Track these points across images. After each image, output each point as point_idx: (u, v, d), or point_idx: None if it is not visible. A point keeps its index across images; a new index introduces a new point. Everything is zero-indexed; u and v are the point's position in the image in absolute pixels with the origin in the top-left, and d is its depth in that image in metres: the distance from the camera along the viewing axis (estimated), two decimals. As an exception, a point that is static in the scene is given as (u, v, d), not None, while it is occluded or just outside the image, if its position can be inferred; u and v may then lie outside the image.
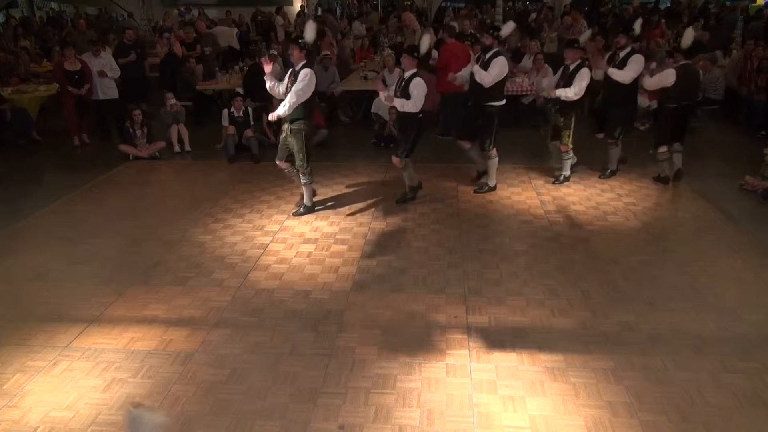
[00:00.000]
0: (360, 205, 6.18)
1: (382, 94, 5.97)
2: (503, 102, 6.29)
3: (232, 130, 7.90)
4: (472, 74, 6.21)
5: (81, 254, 5.13)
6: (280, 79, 5.73)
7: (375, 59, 11.31)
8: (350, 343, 3.82)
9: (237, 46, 12.84)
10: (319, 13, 17.86)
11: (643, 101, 8.17)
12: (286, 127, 5.65)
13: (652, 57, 8.70)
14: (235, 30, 13.52)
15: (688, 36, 6.50)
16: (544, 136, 7.42)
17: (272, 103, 8.61)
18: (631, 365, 3.54)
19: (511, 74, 9.38)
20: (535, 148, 7.89)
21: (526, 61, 9.88)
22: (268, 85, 5.70)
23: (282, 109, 5.53)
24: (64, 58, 8.44)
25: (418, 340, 3.83)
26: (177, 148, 8.21)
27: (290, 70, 5.61)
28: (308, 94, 5.48)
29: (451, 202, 6.28)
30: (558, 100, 6.38)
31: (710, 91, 9.08)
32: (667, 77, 6.24)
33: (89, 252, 5.17)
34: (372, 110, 8.89)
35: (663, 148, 6.49)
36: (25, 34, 13.67)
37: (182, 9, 17.66)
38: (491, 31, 6.29)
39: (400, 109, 5.80)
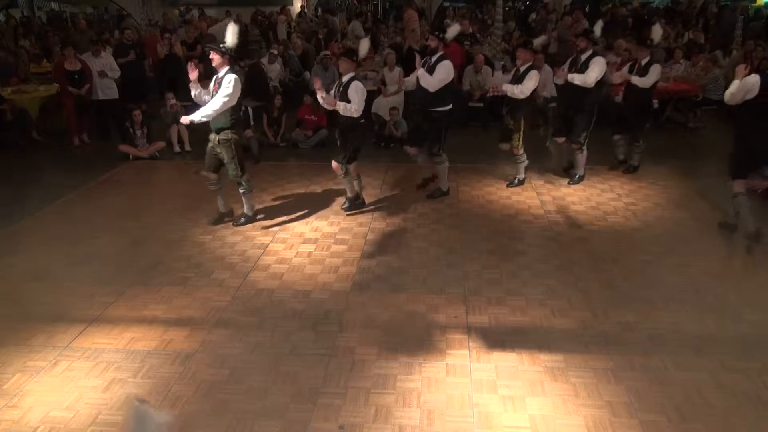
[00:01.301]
0: (360, 205, 6.18)
1: (319, 95, 5.63)
2: (450, 107, 6.09)
3: (232, 130, 7.89)
4: (417, 78, 5.99)
5: (81, 254, 5.12)
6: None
7: (375, 59, 11.30)
8: (350, 343, 3.82)
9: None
10: (319, 14, 17.87)
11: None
12: (213, 137, 5.35)
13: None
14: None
15: (657, 31, 6.88)
16: (544, 136, 7.42)
17: (272, 103, 8.67)
18: (631, 365, 3.54)
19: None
20: (535, 147, 7.86)
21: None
22: (192, 93, 5.35)
23: (199, 115, 5.16)
24: (64, 58, 8.45)
25: (418, 340, 3.83)
26: (177, 148, 8.21)
27: (214, 76, 5.28)
28: (234, 101, 5.18)
29: (451, 202, 6.28)
30: (509, 102, 6.35)
31: (710, 91, 9.06)
32: (659, 73, 6.61)
33: (89, 252, 5.17)
34: (372, 110, 8.86)
35: (618, 136, 7.06)
36: (25, 34, 13.66)
37: (182, 9, 17.67)
38: (437, 33, 6.09)
39: (342, 113, 5.55)
